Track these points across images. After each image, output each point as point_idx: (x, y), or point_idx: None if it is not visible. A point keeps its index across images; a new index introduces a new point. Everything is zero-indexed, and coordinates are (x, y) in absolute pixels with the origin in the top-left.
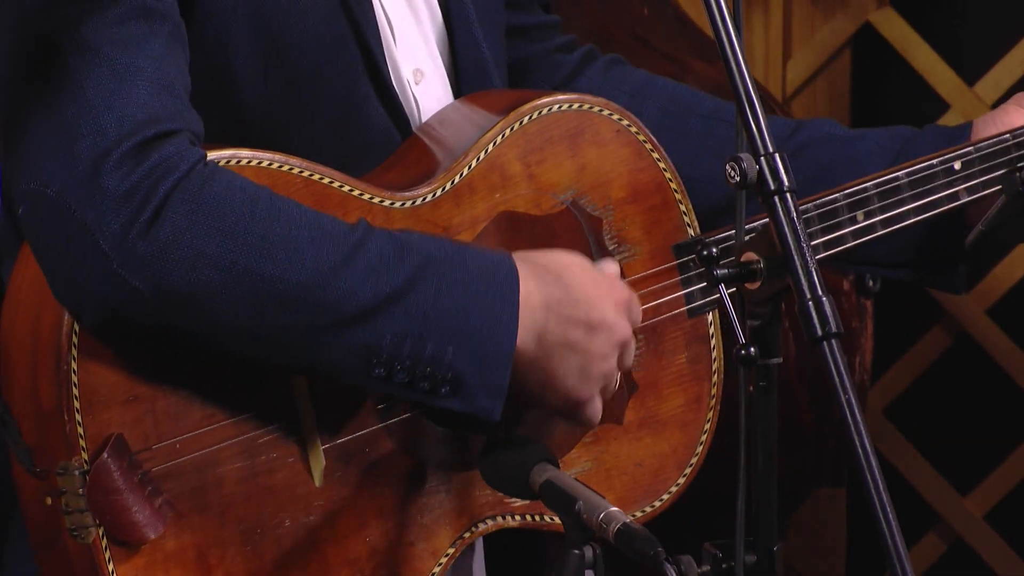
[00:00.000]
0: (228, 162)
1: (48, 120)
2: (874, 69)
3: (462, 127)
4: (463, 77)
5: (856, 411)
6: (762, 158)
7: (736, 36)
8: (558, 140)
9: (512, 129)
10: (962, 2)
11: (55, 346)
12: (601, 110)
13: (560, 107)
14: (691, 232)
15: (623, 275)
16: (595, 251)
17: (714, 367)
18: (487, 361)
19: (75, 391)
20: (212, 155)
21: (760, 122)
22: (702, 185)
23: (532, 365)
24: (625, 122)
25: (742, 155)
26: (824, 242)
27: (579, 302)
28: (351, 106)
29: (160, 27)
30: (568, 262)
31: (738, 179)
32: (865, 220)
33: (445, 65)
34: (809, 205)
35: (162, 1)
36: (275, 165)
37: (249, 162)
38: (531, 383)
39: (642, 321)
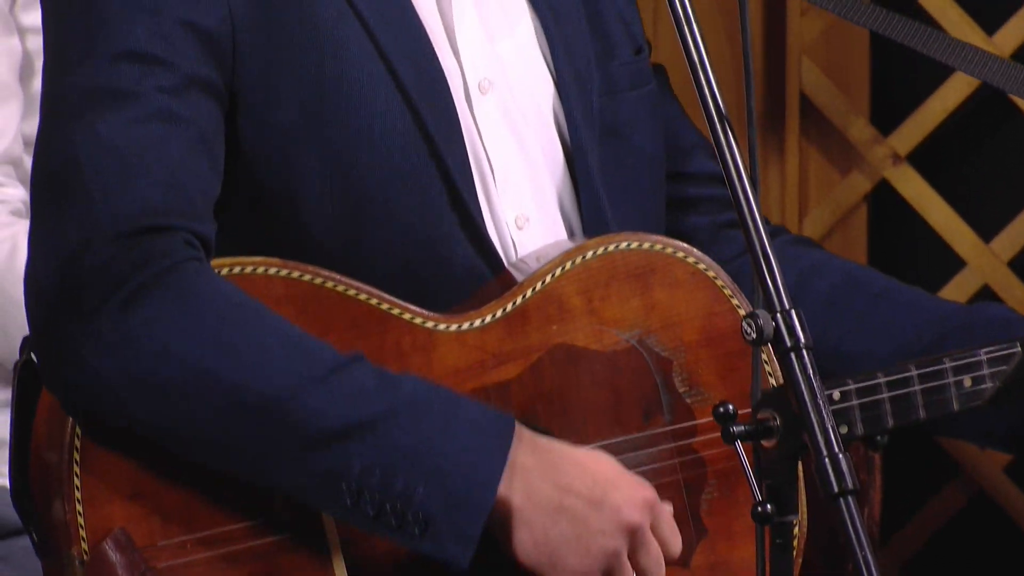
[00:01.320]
0: (255, 270)
1: (49, 206)
2: (890, 225)
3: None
4: (586, 230)
5: (873, 569)
6: (779, 314)
7: (752, 191)
8: (624, 278)
9: (574, 263)
10: (978, 159)
11: (59, 435)
12: (674, 252)
13: (629, 245)
14: (772, 382)
15: (694, 417)
16: (663, 391)
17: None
18: (460, 506)
19: (76, 482)
20: (242, 263)
21: (776, 278)
22: (859, 362)
23: (520, 520)
24: (702, 266)
25: (759, 312)
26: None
27: (583, 477)
28: (430, 242)
29: (181, 131)
30: (589, 454)
31: (754, 336)
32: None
33: (566, 215)
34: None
35: (189, 107)
36: (307, 278)
37: (279, 272)
38: (522, 542)
39: (714, 467)
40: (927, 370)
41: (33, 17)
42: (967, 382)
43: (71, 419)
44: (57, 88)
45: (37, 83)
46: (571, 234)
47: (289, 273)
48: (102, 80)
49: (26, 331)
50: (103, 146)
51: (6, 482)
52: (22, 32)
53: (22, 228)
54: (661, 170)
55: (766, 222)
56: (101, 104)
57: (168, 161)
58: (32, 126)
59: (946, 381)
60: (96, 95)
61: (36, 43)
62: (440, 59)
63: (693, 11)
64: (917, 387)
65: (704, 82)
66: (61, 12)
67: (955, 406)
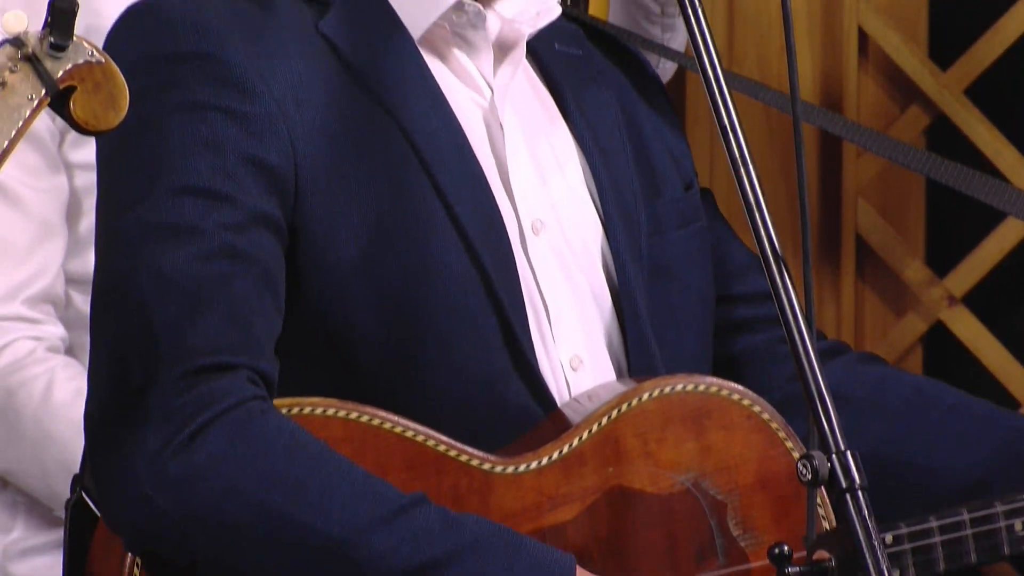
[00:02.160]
0: (313, 411)
1: (112, 343)
2: (946, 367)
3: (596, 403)
4: (633, 371)
5: None
6: (834, 456)
7: (808, 332)
8: (679, 420)
9: (630, 405)
10: None
11: (117, 574)
12: (730, 394)
13: (684, 387)
14: (826, 525)
15: (748, 561)
16: (717, 535)
17: None
18: None
19: None
20: (300, 404)
21: (832, 419)
22: (935, 476)
23: None
24: (757, 408)
25: (814, 453)
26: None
27: None
28: (485, 381)
29: (245, 269)
30: None
31: (810, 477)
32: None
33: (614, 354)
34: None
35: (253, 244)
36: (365, 418)
37: (336, 413)
38: None
39: None
40: (978, 514)
41: (83, 154)
42: (1018, 526)
43: (129, 556)
44: (116, 223)
45: (85, 222)
46: (619, 374)
47: (347, 414)
48: (165, 215)
49: (64, 467)
50: (167, 283)
51: None
52: (71, 168)
53: (59, 363)
54: (709, 306)
55: (825, 339)
56: (164, 240)
57: (232, 299)
58: (79, 264)
59: (997, 526)
60: (159, 230)
61: (85, 180)
62: (495, 199)
63: (749, 151)
64: (968, 531)
65: (760, 222)
66: (120, 147)
67: (1006, 550)
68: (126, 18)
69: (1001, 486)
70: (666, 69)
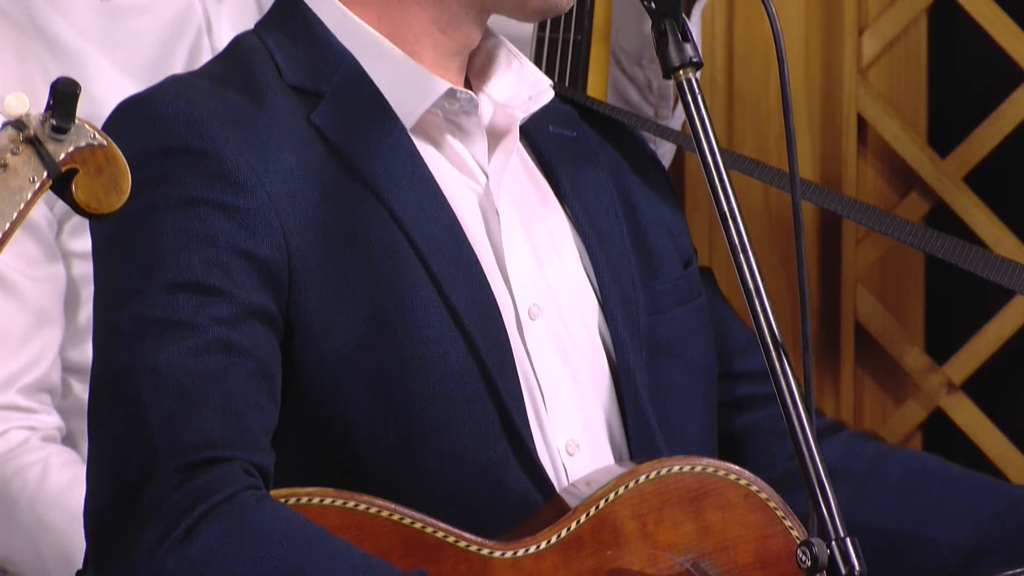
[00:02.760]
0: (310, 500)
1: (109, 439)
2: (945, 453)
3: (593, 487)
4: (633, 451)
5: None
6: (834, 543)
7: (807, 419)
8: (677, 501)
9: (627, 487)
10: None
11: None
12: (727, 474)
13: (681, 468)
14: None
15: None
16: None
17: None
18: None
19: None
20: (297, 494)
21: (831, 505)
22: (936, 547)
23: None
24: (754, 488)
25: (813, 540)
26: None
27: None
28: (482, 468)
29: (240, 362)
30: None
31: (809, 564)
32: None
33: (613, 436)
34: None
35: (247, 338)
36: (362, 507)
37: (333, 502)
38: None
39: None
40: None
41: (83, 243)
42: None
43: None
44: (112, 318)
45: (83, 311)
46: (619, 457)
47: (344, 503)
48: (159, 311)
49: (61, 555)
50: (162, 377)
51: None
52: (69, 257)
53: (53, 451)
54: (712, 381)
55: (824, 417)
56: (159, 335)
57: (227, 392)
58: (77, 353)
59: None
60: (154, 326)
61: (84, 269)
62: (491, 286)
63: (748, 238)
64: None
65: (759, 309)
66: (114, 242)
67: None
68: (119, 113)
69: (1003, 555)
70: (663, 156)
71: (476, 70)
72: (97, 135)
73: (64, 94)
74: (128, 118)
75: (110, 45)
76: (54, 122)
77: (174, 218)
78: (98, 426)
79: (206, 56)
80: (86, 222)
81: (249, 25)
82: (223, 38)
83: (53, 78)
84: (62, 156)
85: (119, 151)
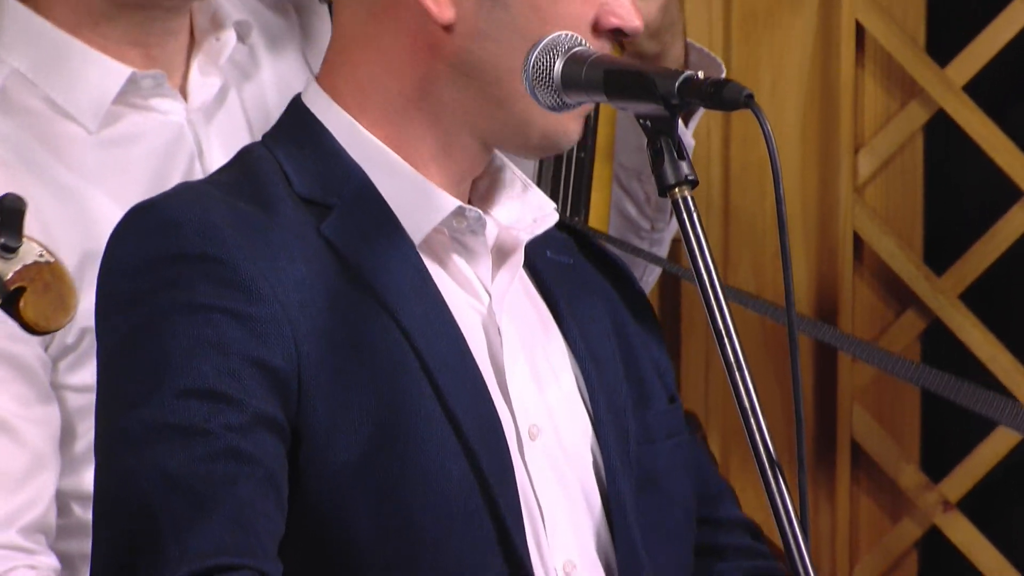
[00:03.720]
0: None
1: (116, 544)
2: (941, 572)
3: None
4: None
5: None
6: None
7: (803, 537)
8: None
9: None
10: None
11: None
12: None
13: None
14: None
15: None
16: None
17: None
18: None
19: None
20: None
21: None
22: None
23: None
24: None
25: None
26: None
27: None
28: None
29: (249, 470)
30: None
31: None
32: None
33: (605, 558)
34: None
35: (256, 446)
36: None
37: None
38: None
39: None
40: None
41: (80, 376)
42: None
43: None
44: (120, 423)
45: (78, 444)
46: None
47: None
48: (170, 416)
49: None
50: (172, 484)
51: None
52: (64, 391)
53: None
54: (692, 518)
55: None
56: (169, 441)
57: (237, 501)
58: (72, 483)
59: None
60: (164, 431)
61: (80, 402)
62: (494, 405)
63: (744, 357)
64: None
65: (755, 427)
66: (124, 347)
67: None
68: (129, 218)
69: None
70: (648, 282)
71: (481, 193)
72: (44, 252)
73: (11, 211)
74: (140, 223)
75: (104, 178)
76: (2, 240)
77: (186, 324)
78: (104, 531)
79: None
80: (83, 356)
81: (239, 145)
82: (214, 160)
83: (48, 218)
84: (10, 274)
85: (65, 268)
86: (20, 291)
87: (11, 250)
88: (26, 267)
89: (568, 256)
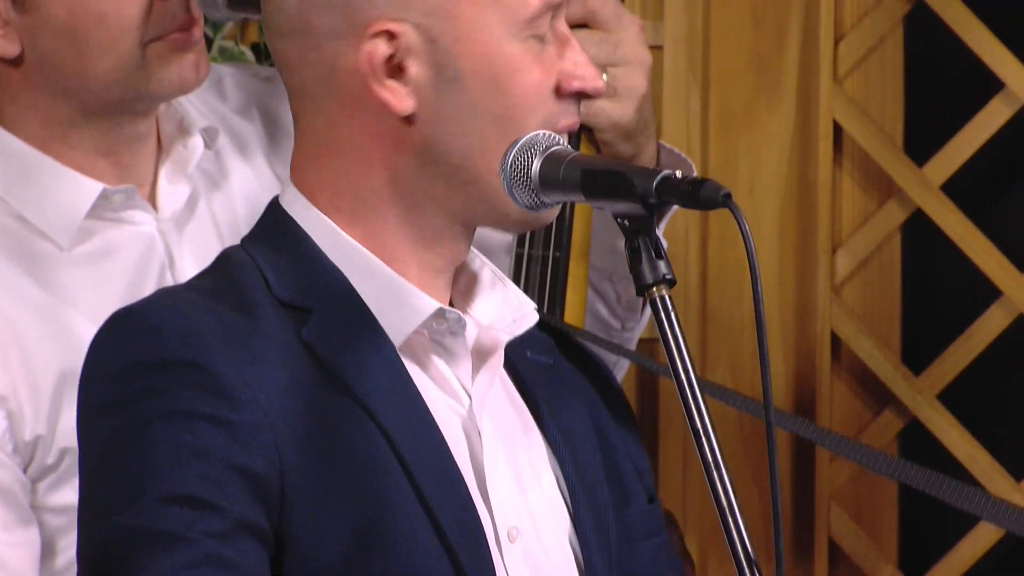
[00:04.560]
0: None
1: None
2: None
3: None
4: None
5: None
6: None
7: None
8: None
9: None
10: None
11: None
12: None
13: None
14: None
15: None
16: None
17: None
18: None
19: None
20: None
21: None
22: None
23: None
24: None
25: None
26: None
27: None
28: None
29: None
30: None
31: None
32: None
33: None
34: None
35: (238, 552)
36: None
37: None
38: None
39: None
40: None
41: (61, 496)
42: None
43: None
44: (102, 530)
45: (59, 560)
46: None
47: None
48: (151, 523)
49: None
50: None
51: None
52: (45, 511)
53: None
54: None
55: None
56: (150, 547)
57: None
58: None
59: None
60: (145, 538)
61: (60, 521)
62: (475, 507)
63: (722, 455)
64: None
65: (733, 526)
66: (105, 454)
67: None
68: (110, 324)
69: None
70: (621, 366)
71: (461, 292)
72: None
73: None
74: (121, 329)
75: (79, 296)
76: None
77: (167, 431)
78: None
79: None
80: (63, 477)
81: (210, 254)
82: (185, 270)
83: (24, 338)
84: None
85: None
86: None
87: None
88: None
89: (548, 356)
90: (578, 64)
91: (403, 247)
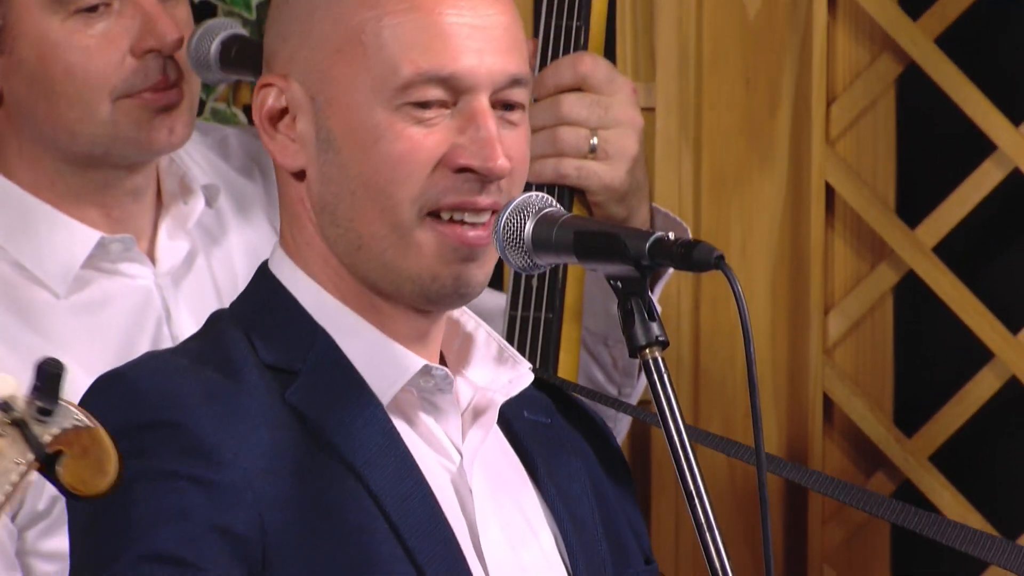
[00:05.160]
0: None
1: None
2: None
3: None
4: None
5: None
6: None
7: None
8: None
9: None
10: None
11: None
12: None
13: None
14: None
15: None
16: None
17: None
18: None
19: None
20: None
21: None
22: None
23: None
24: None
25: None
26: None
27: None
28: None
29: None
30: None
31: None
32: None
33: None
34: None
35: None
36: None
37: None
38: None
39: None
40: None
41: (52, 543)
42: None
43: None
44: None
45: None
46: None
47: None
48: None
49: None
50: None
51: None
52: (35, 557)
53: None
54: None
55: None
56: None
57: None
58: None
59: None
60: None
61: (51, 568)
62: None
63: (715, 517)
64: None
65: None
66: (91, 515)
67: None
68: (96, 388)
69: None
70: (620, 431)
71: (455, 353)
72: (83, 417)
73: (48, 375)
74: (105, 393)
75: (73, 344)
76: (39, 403)
77: (149, 491)
78: None
79: (166, 345)
80: (55, 524)
81: (207, 310)
82: (182, 325)
83: (19, 383)
84: (47, 438)
85: (104, 433)
86: (59, 455)
87: (48, 413)
88: (64, 431)
89: (546, 416)
90: (474, 140)
91: (386, 305)
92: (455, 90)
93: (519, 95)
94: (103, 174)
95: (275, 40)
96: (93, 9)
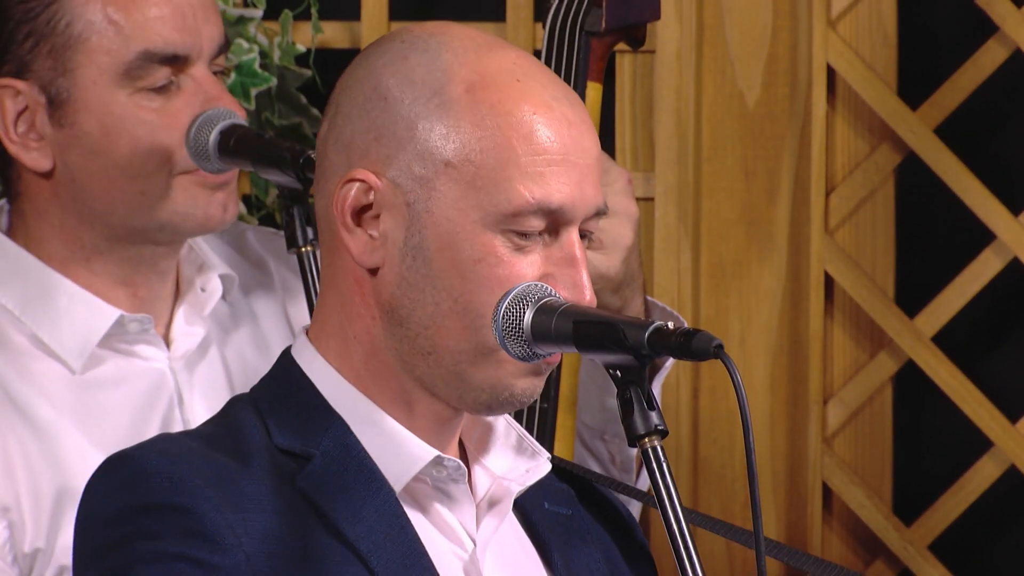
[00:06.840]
0: None
1: None
2: None
3: None
4: None
5: None
6: None
7: None
8: None
9: None
10: None
11: None
12: None
13: None
14: None
15: None
16: None
17: None
18: None
19: None
20: None
21: None
22: None
23: None
24: None
25: None
26: None
27: None
28: None
29: None
30: None
31: None
32: None
33: None
34: None
35: None
36: None
37: None
38: None
39: None
40: None
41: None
42: None
43: None
44: None
45: None
46: None
47: None
48: None
49: None
50: None
51: None
52: None
53: None
54: None
55: None
56: None
57: None
58: None
59: None
60: None
61: None
62: None
63: None
64: None
65: None
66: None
67: None
68: (103, 469)
69: None
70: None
71: (475, 442)
72: None
73: None
74: (112, 474)
75: (83, 419)
76: None
77: (151, 573)
78: None
79: (178, 428)
80: None
81: (220, 397)
82: (195, 409)
83: (30, 453)
84: None
85: None
86: None
87: None
88: None
89: (567, 507)
90: (568, 275)
91: (397, 399)
92: (555, 221)
93: (596, 224)
94: (141, 251)
95: (365, 136)
96: (162, 86)
